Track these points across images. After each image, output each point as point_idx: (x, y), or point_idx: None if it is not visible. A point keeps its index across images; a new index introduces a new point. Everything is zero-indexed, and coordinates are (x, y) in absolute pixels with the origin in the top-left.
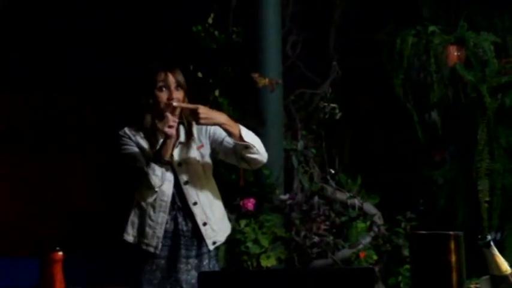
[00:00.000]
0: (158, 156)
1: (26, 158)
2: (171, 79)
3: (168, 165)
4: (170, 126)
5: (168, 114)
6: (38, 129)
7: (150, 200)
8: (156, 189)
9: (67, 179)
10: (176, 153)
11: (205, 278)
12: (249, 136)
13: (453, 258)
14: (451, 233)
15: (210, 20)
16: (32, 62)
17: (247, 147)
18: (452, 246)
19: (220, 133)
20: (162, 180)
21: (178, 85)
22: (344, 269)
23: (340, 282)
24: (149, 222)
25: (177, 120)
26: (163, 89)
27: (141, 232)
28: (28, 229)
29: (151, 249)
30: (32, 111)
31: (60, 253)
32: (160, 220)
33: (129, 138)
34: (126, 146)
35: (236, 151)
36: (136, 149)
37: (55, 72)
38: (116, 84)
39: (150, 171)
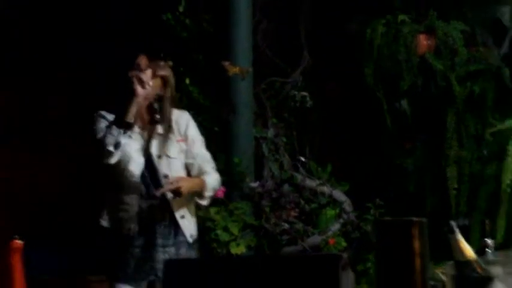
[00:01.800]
0: (117, 118)
1: None
2: (146, 65)
3: (128, 128)
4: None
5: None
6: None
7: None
8: (111, 149)
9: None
10: (155, 145)
11: (171, 266)
12: (210, 191)
13: (417, 245)
14: (415, 219)
15: (180, 8)
16: None
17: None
18: (416, 232)
19: (193, 146)
20: (117, 140)
21: (154, 73)
22: (312, 255)
23: (308, 269)
24: (123, 206)
25: (150, 82)
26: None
27: (116, 216)
28: None
29: (128, 232)
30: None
31: (19, 241)
32: (134, 202)
33: (102, 117)
34: (97, 126)
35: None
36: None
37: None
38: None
39: (107, 133)
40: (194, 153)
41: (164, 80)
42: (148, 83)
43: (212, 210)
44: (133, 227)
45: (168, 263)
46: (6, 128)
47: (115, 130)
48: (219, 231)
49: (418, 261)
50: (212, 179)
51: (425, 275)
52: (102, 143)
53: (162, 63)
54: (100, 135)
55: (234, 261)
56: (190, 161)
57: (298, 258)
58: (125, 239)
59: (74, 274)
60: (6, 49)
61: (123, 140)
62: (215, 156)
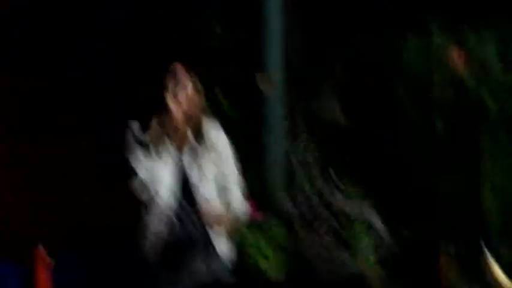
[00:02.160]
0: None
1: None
2: (182, 74)
3: (147, 147)
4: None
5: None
6: None
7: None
8: (140, 175)
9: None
10: (186, 156)
11: None
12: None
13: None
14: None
15: (213, 19)
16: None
17: None
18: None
19: (222, 156)
20: (141, 162)
21: (189, 82)
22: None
23: None
24: (146, 231)
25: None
26: (172, 82)
27: (143, 234)
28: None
29: (154, 251)
30: None
31: (43, 250)
32: (159, 223)
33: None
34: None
35: None
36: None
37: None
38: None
39: (134, 155)
40: (222, 164)
41: (196, 89)
42: (185, 96)
43: (245, 229)
44: (157, 252)
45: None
46: None
47: (139, 153)
48: (251, 250)
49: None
50: (237, 202)
51: None
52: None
53: (192, 72)
54: (128, 150)
55: (266, 284)
56: (218, 172)
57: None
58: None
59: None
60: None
61: (151, 163)
62: (245, 170)
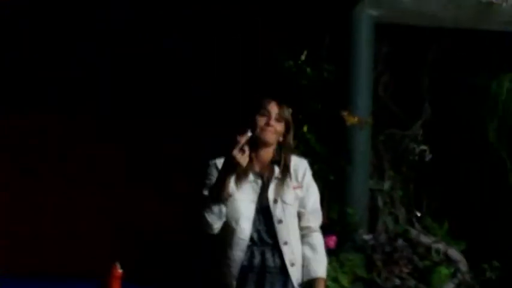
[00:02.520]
0: (216, 191)
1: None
2: (274, 108)
3: (225, 201)
4: (240, 151)
5: (240, 138)
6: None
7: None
8: (215, 227)
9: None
10: (271, 190)
11: None
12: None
13: None
14: None
15: (302, 57)
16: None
17: None
18: None
19: (308, 195)
20: (220, 216)
21: (281, 117)
22: None
23: None
24: (226, 261)
25: (247, 150)
26: (265, 115)
27: (218, 269)
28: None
29: (233, 281)
30: None
31: (120, 270)
32: (237, 259)
33: (216, 168)
34: (208, 178)
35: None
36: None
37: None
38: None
39: (207, 209)
40: (306, 203)
41: (287, 125)
42: (277, 129)
43: None
44: (232, 283)
45: None
46: None
47: (215, 207)
48: (329, 282)
49: None
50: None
51: None
52: (203, 210)
53: (285, 107)
54: (205, 194)
55: None
56: (301, 210)
57: None
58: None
59: None
60: None
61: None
62: (329, 206)
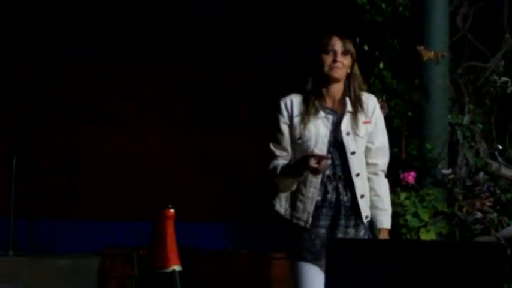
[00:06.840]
0: (294, 169)
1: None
2: (339, 44)
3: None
4: (319, 163)
5: (316, 150)
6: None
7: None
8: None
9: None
10: (345, 123)
11: (335, 245)
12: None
13: None
14: None
15: None
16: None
17: None
18: None
19: (376, 130)
20: (294, 183)
21: (346, 51)
22: (476, 244)
23: (471, 257)
24: (300, 197)
25: (329, 159)
26: (330, 52)
27: (292, 206)
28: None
29: (302, 223)
30: None
31: (172, 210)
32: (310, 195)
33: (286, 109)
34: (279, 123)
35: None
36: (284, 129)
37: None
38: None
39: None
40: (375, 138)
41: (352, 57)
42: (345, 63)
43: (402, 196)
44: (308, 219)
45: (332, 242)
46: None
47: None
48: (408, 217)
49: None
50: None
51: None
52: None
53: (348, 39)
54: (271, 149)
55: (396, 244)
56: (369, 145)
57: (462, 246)
58: (300, 225)
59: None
60: None
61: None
62: (407, 142)
